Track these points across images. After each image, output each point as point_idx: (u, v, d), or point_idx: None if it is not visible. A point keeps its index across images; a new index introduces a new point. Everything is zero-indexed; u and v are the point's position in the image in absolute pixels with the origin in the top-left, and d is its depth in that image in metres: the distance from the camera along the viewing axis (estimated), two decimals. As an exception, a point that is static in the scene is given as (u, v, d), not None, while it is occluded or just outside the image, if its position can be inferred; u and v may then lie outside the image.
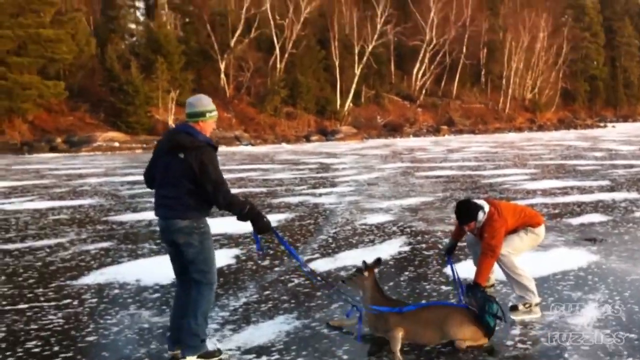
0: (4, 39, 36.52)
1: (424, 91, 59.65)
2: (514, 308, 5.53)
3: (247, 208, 4.45)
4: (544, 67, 68.53)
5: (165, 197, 4.52)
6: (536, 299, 5.53)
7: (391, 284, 6.64)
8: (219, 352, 4.65)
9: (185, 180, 4.40)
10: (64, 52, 38.55)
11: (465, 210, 5.46)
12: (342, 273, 7.03)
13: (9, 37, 36.66)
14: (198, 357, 4.52)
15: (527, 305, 5.49)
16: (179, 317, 4.65)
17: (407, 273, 7.11)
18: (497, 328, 4.92)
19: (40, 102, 37.33)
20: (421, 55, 58.49)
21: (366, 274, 5.04)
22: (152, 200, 4.72)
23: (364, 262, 5.15)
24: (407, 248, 8.48)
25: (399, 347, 4.72)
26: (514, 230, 5.54)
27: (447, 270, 7.00)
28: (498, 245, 5.29)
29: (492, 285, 6.19)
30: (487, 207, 5.42)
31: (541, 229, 5.68)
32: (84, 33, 42.50)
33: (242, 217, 4.48)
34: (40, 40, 37.42)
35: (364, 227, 10.14)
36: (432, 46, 58.38)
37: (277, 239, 5.00)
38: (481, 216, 5.39)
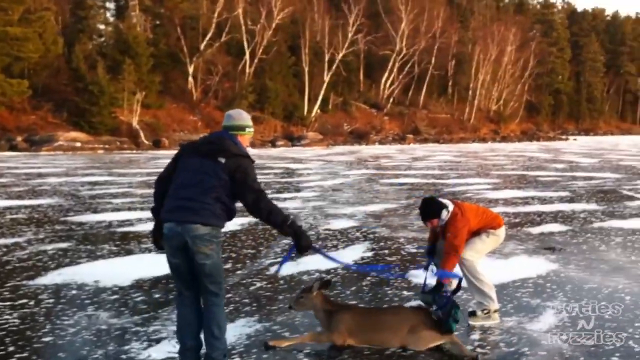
0: (-31, 36, 35.82)
1: (391, 100, 60.10)
2: (473, 314, 5.59)
3: (290, 220, 4.28)
4: (510, 79, 69.72)
5: (188, 199, 4.19)
6: (495, 306, 5.58)
7: (353, 288, 6.66)
8: None
9: (219, 185, 4.20)
10: (30, 50, 37.96)
11: (430, 208, 5.50)
12: (305, 277, 7.02)
13: (-26, 34, 35.98)
14: None
15: (485, 312, 5.54)
16: (193, 336, 4.37)
17: (369, 278, 7.12)
18: (456, 333, 4.98)
19: (2, 100, 36.62)
20: (390, 64, 58.98)
21: (315, 293, 4.99)
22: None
23: (318, 281, 5.11)
24: (369, 254, 8.51)
25: (342, 341, 4.83)
26: (476, 233, 5.60)
27: (407, 276, 7.07)
28: (461, 245, 5.35)
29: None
30: (451, 207, 5.47)
31: (502, 230, 5.76)
32: (51, 32, 41.87)
33: (283, 229, 4.29)
34: (7, 38, 36.80)
35: (327, 232, 10.14)
36: (401, 56, 58.93)
37: (320, 254, 5.12)
38: (444, 214, 5.43)
